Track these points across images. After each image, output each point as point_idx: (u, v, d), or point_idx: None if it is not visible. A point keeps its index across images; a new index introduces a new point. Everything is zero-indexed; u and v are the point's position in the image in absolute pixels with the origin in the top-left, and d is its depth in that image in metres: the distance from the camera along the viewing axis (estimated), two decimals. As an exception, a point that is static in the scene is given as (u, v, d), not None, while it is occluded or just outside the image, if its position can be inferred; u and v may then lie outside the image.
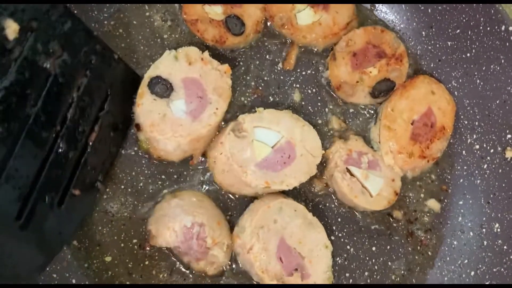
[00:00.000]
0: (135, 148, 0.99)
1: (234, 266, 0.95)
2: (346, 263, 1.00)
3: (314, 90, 1.08)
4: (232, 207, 0.99)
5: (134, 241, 0.96)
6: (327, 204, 1.02)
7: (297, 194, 1.01)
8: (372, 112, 1.08)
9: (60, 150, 0.75)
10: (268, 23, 1.09)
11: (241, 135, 0.94)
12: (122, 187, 0.98)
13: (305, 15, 1.06)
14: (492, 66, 0.99)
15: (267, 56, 1.08)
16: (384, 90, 1.05)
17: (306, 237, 0.93)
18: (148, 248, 0.95)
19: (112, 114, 0.88)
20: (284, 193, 0.98)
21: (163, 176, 0.99)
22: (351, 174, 0.99)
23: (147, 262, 0.95)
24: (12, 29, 0.64)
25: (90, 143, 0.83)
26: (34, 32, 0.68)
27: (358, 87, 1.05)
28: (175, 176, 0.99)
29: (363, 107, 1.08)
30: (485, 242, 0.99)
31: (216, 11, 1.05)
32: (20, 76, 0.66)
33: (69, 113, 0.76)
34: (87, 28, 0.79)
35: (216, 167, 0.96)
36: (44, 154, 0.73)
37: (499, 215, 0.98)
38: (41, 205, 0.74)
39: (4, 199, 0.67)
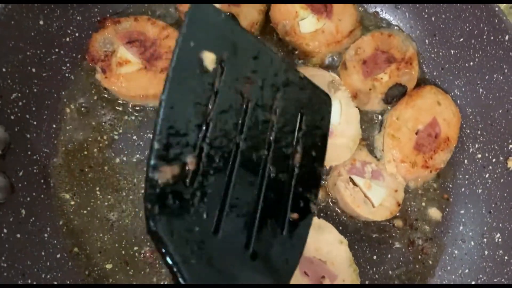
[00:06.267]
0: (137, 155, 0.99)
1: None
2: (347, 271, 1.00)
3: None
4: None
5: (135, 248, 0.95)
6: (329, 213, 1.02)
7: (298, 202, 1.01)
8: (377, 120, 1.08)
9: (272, 175, 0.73)
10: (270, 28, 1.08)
11: None
12: (124, 194, 0.97)
13: (308, 23, 1.06)
14: (495, 75, 0.99)
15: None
16: (396, 95, 1.04)
17: (320, 241, 0.92)
18: (149, 256, 0.95)
19: (310, 133, 0.84)
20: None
21: (164, 183, 0.98)
22: (354, 184, 0.98)
23: (148, 270, 0.95)
24: (209, 59, 0.66)
25: (297, 165, 0.80)
26: (227, 61, 0.69)
27: (372, 94, 1.05)
28: (177, 184, 0.98)
29: (368, 115, 1.08)
30: (486, 252, 0.99)
31: None
32: (224, 105, 0.67)
33: (271, 137, 0.75)
34: (271, 51, 0.79)
35: None
36: (258, 180, 0.72)
37: (500, 224, 0.98)
38: (265, 232, 0.71)
39: (232, 228, 0.65)
